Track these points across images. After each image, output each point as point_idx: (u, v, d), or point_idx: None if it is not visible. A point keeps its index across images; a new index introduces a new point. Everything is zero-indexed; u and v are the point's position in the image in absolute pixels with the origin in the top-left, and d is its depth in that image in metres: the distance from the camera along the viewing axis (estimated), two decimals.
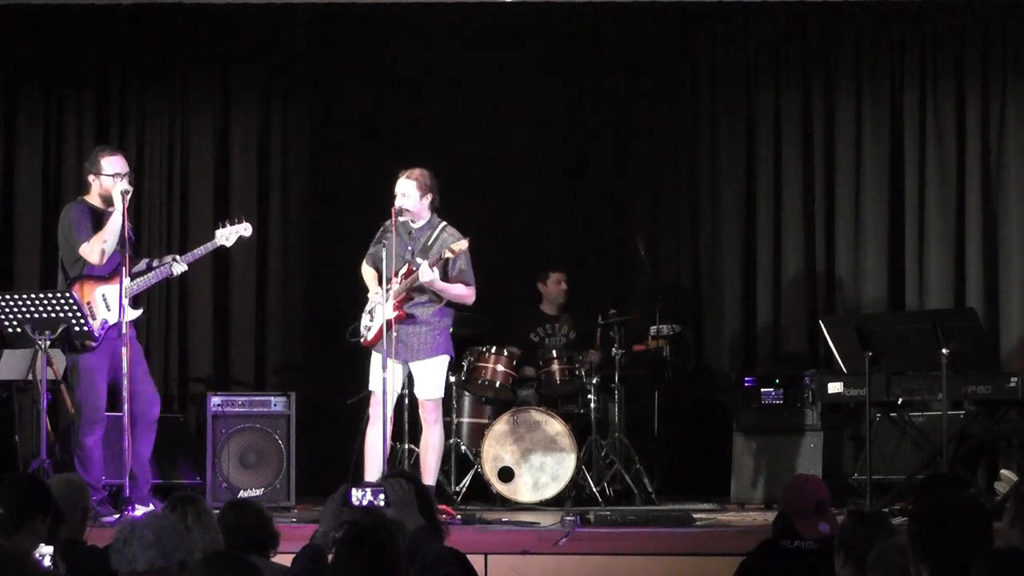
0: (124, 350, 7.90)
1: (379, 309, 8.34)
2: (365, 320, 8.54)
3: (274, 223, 10.56)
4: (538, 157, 10.68)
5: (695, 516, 8.45)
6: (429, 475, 8.23)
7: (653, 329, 9.84)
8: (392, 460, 8.63)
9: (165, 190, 10.51)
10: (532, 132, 10.68)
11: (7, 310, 7.89)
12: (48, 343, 7.88)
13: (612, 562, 6.86)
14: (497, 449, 9.30)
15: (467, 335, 9.56)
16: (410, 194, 8.34)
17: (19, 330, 7.90)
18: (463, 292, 8.38)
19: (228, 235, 8.44)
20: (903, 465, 8.90)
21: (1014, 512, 4.29)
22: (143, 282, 8.27)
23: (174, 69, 10.57)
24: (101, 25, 10.41)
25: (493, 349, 9.55)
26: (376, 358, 8.28)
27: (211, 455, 9.18)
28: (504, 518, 8.45)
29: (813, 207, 10.38)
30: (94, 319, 8.07)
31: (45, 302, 7.85)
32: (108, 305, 8.10)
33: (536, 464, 9.28)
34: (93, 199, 8.25)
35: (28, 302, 7.86)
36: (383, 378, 8.08)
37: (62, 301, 7.85)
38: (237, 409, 9.31)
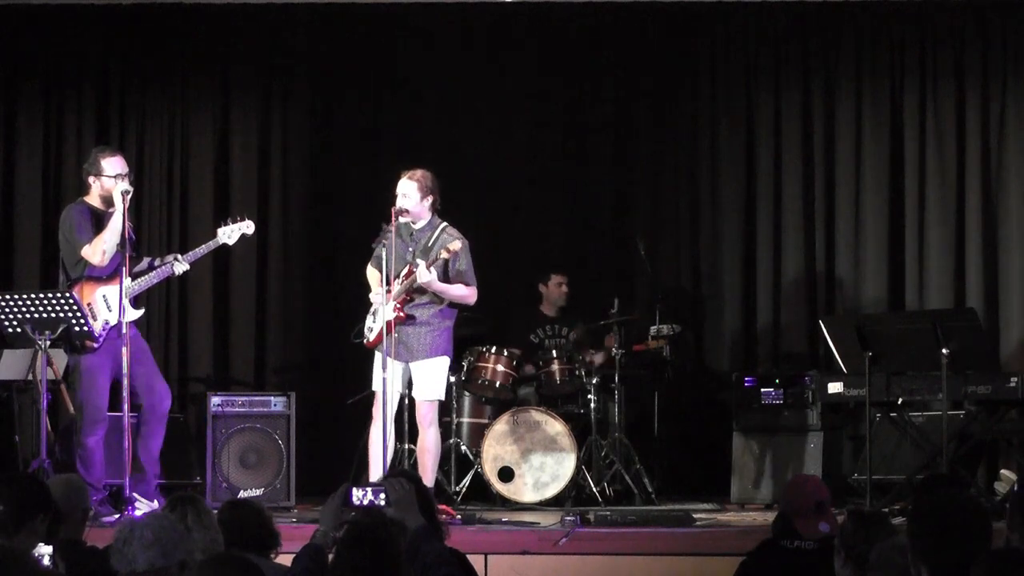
0: (124, 350, 7.90)
1: (380, 310, 8.35)
2: (368, 321, 8.55)
3: (274, 223, 10.56)
4: (538, 157, 10.68)
5: (695, 516, 8.45)
6: (427, 478, 8.21)
7: (653, 329, 9.84)
8: (394, 461, 8.61)
9: (165, 190, 10.52)
10: (532, 132, 10.68)
11: (7, 310, 7.89)
12: (48, 343, 7.87)
13: (612, 562, 6.86)
14: (497, 449, 9.30)
15: (467, 335, 9.56)
16: (411, 195, 8.34)
17: (19, 330, 7.90)
18: (464, 293, 8.37)
19: (230, 233, 8.43)
20: (903, 465, 8.90)
21: (1010, 517, 4.30)
22: (144, 282, 8.27)
23: (174, 69, 10.58)
24: (101, 25, 10.42)
25: (493, 349, 9.55)
26: (379, 358, 8.29)
27: (211, 455, 9.18)
28: (504, 518, 8.45)
29: (813, 207, 10.38)
30: (95, 320, 8.07)
31: (45, 302, 7.85)
32: (109, 305, 8.10)
33: (536, 464, 9.28)
34: (93, 200, 8.25)
35: (28, 302, 7.86)
36: (383, 378, 8.08)
37: (62, 301, 7.85)
38: (237, 409, 9.31)
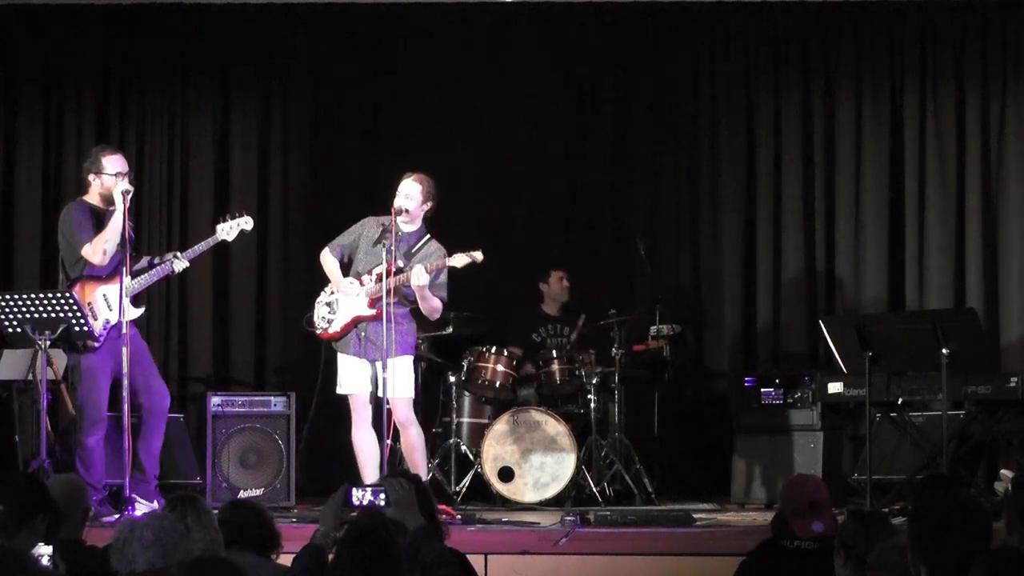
0: (124, 350, 7.90)
1: (345, 302, 8.31)
2: (321, 311, 8.47)
3: (274, 223, 10.56)
4: (538, 157, 10.68)
5: (695, 516, 8.44)
6: (420, 473, 8.19)
7: (653, 329, 9.84)
8: (392, 460, 8.61)
9: (165, 190, 10.52)
10: (532, 132, 10.68)
11: (7, 310, 7.88)
12: (48, 343, 7.87)
13: (612, 562, 6.85)
14: (497, 449, 9.30)
15: (467, 335, 9.56)
16: (414, 196, 8.31)
17: (19, 330, 7.89)
18: (437, 306, 8.33)
19: (229, 229, 8.41)
20: (903, 465, 8.90)
21: (1008, 518, 4.30)
22: (144, 280, 8.26)
23: (174, 69, 10.58)
24: (101, 25, 10.42)
25: (493, 349, 9.55)
26: (344, 359, 8.27)
27: (211, 455, 9.18)
28: (504, 518, 8.44)
29: (813, 207, 10.39)
30: (96, 319, 8.06)
31: (45, 302, 7.85)
32: (110, 305, 8.10)
33: (536, 464, 9.28)
34: (92, 199, 8.25)
35: (28, 302, 7.85)
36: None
37: (62, 301, 7.85)
38: (237, 409, 9.31)
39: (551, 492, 9.25)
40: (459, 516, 8.30)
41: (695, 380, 10.48)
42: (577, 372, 9.56)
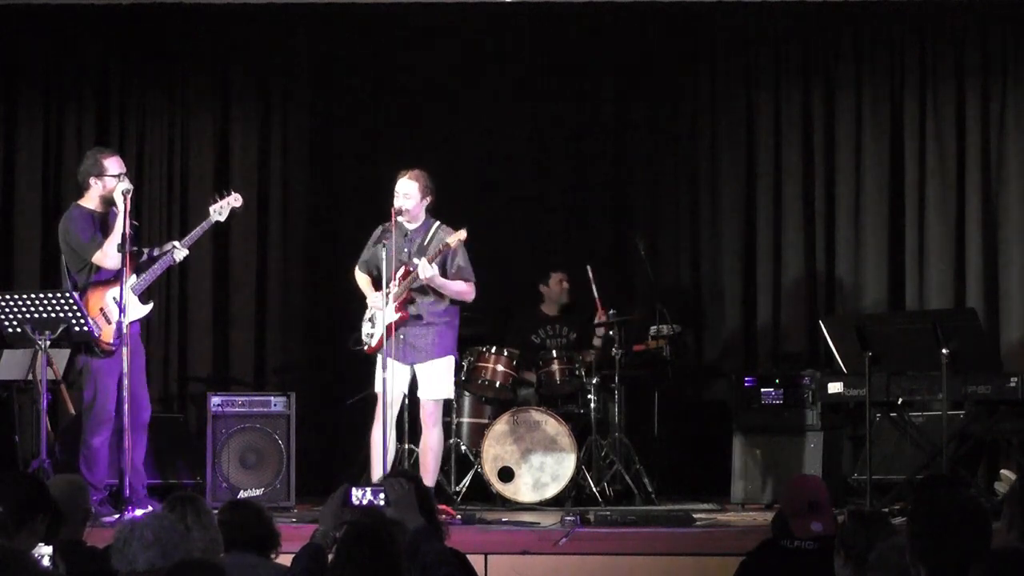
0: (125, 350, 7.90)
1: (379, 314, 8.34)
2: (366, 328, 8.54)
3: (274, 223, 10.57)
4: (538, 157, 10.68)
5: (695, 516, 8.44)
6: (428, 477, 8.21)
7: (653, 329, 9.84)
8: (395, 461, 8.62)
9: (165, 190, 10.52)
10: (532, 132, 10.67)
11: (7, 310, 7.89)
12: (48, 343, 7.87)
13: (612, 562, 6.85)
14: (497, 449, 9.30)
15: (467, 335, 9.56)
16: (412, 195, 8.35)
17: (19, 330, 7.90)
18: (463, 288, 8.39)
19: (220, 210, 8.42)
20: (903, 465, 8.90)
21: (1010, 516, 4.29)
22: (149, 275, 8.25)
23: (174, 69, 10.58)
24: (101, 25, 10.42)
25: (493, 349, 9.55)
26: (380, 359, 8.28)
27: (211, 455, 9.17)
28: (504, 518, 8.45)
29: (813, 207, 10.38)
30: (109, 323, 8.05)
31: (45, 302, 7.85)
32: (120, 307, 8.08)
33: (536, 464, 9.28)
34: (91, 202, 8.23)
35: (28, 302, 7.86)
36: (383, 379, 8.09)
37: (62, 301, 7.85)
38: (237, 409, 9.30)
39: (551, 492, 9.25)
40: (459, 516, 8.30)
41: (695, 380, 10.47)
42: (577, 372, 9.56)
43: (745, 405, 9.59)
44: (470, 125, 10.55)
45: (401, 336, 8.28)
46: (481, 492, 9.46)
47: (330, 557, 4.50)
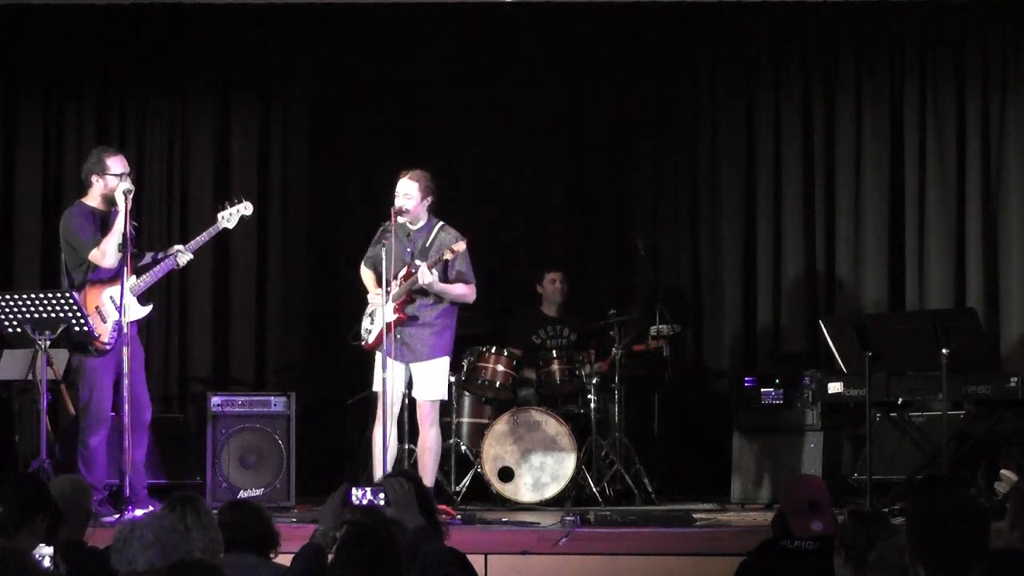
0: (125, 350, 7.90)
1: (379, 311, 8.35)
2: (366, 323, 8.55)
3: (274, 223, 10.56)
4: (538, 157, 10.68)
5: (695, 516, 8.45)
6: (427, 478, 8.21)
7: (653, 329, 9.84)
8: (396, 461, 8.62)
9: (165, 190, 10.52)
10: (532, 132, 10.67)
11: (7, 310, 7.89)
12: (48, 343, 7.87)
13: (612, 562, 6.85)
14: (497, 449, 9.30)
15: (467, 335, 9.56)
16: (412, 195, 8.34)
17: (19, 330, 7.90)
18: (463, 291, 8.40)
19: (229, 216, 8.40)
20: (903, 465, 8.89)
21: (1014, 516, 4.29)
22: (150, 277, 8.25)
23: (174, 69, 10.58)
24: (101, 25, 10.41)
25: (493, 349, 9.55)
26: (379, 359, 8.29)
27: (211, 455, 9.18)
28: (504, 518, 8.45)
29: (813, 207, 10.38)
30: (105, 322, 8.05)
31: (45, 302, 7.85)
32: (118, 307, 8.08)
33: (536, 464, 9.28)
34: (93, 200, 8.23)
35: (28, 302, 7.86)
36: (383, 379, 8.09)
37: (62, 301, 7.85)
38: (237, 409, 9.30)
39: (551, 492, 9.25)
40: (459, 516, 8.31)
41: (695, 380, 10.47)
42: (577, 372, 9.57)
43: (745, 405, 9.60)
44: (470, 125, 10.55)
45: (398, 336, 8.28)
46: (481, 492, 9.46)
47: (330, 557, 4.50)
